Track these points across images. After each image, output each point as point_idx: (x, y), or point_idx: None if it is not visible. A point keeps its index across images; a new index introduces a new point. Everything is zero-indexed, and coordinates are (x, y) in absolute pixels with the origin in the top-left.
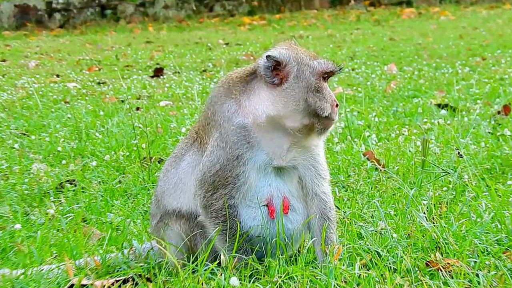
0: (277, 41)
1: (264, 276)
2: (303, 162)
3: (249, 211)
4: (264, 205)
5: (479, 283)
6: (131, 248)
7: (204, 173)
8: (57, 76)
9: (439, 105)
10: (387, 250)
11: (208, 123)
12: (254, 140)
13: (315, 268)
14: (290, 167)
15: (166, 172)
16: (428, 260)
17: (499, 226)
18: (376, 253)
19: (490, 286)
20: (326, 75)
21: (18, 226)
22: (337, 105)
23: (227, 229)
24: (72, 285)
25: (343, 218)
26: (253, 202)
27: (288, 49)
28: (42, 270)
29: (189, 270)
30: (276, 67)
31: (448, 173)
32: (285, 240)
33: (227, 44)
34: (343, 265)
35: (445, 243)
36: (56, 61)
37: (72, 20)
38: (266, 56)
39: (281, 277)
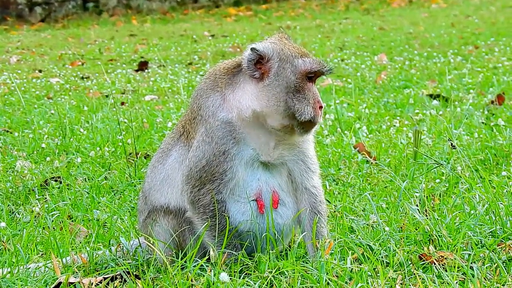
0: (264, 32)
1: (254, 271)
2: (291, 157)
3: (237, 206)
4: (253, 200)
5: (473, 276)
6: (119, 245)
7: (190, 168)
8: (40, 71)
9: (431, 96)
10: (379, 244)
11: (194, 118)
12: (240, 135)
13: (306, 263)
14: (278, 162)
15: (153, 168)
16: (421, 253)
17: (494, 218)
18: (368, 247)
19: (484, 279)
20: (312, 75)
21: (3, 224)
22: (321, 107)
23: (215, 224)
24: (60, 283)
25: (334, 211)
26: (242, 197)
27: (275, 43)
28: (29, 268)
29: (178, 266)
30: (260, 60)
31: (441, 164)
32: (275, 234)
33: (212, 36)
34: (335, 259)
35: (439, 235)
36: (38, 56)
37: (54, 14)
38: (251, 49)
39: (271, 272)
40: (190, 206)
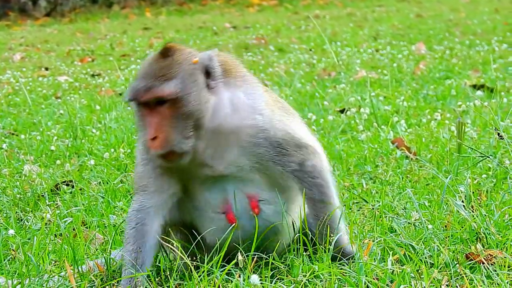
0: (291, 22)
1: (287, 275)
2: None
3: (207, 222)
4: (222, 213)
5: None
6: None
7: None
8: (46, 69)
9: (474, 86)
10: (422, 243)
11: None
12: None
13: (344, 265)
14: (243, 168)
15: None
16: (468, 252)
17: None
18: (410, 247)
19: None
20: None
21: (11, 231)
22: (153, 138)
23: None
24: None
25: (372, 209)
26: (209, 211)
27: None
28: (41, 277)
29: (204, 272)
30: None
31: (488, 157)
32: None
33: (234, 27)
34: (374, 260)
35: (487, 233)
36: (44, 53)
37: (60, 7)
38: None
39: (305, 276)
40: None
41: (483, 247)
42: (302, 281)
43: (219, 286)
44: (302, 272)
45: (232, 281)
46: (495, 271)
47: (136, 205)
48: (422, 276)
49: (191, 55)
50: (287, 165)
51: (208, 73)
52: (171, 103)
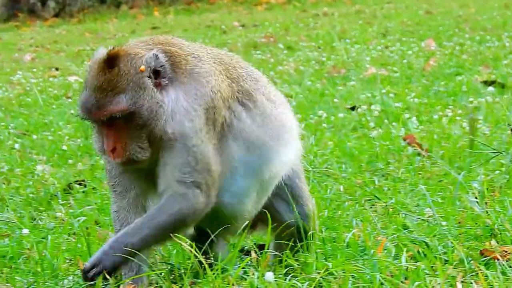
0: (299, 20)
1: (301, 273)
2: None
3: None
4: None
5: None
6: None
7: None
8: (56, 69)
9: (485, 82)
10: (436, 239)
11: None
12: None
13: (358, 261)
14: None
15: None
16: (482, 248)
17: None
18: (424, 244)
19: None
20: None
21: (25, 231)
22: (112, 150)
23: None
24: None
25: (385, 206)
26: None
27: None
28: (56, 276)
29: (218, 269)
30: None
31: (500, 153)
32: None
33: (243, 26)
34: (389, 257)
35: (501, 229)
36: (54, 53)
37: (68, 8)
38: None
39: (320, 273)
40: None
41: (498, 243)
42: (317, 278)
43: (233, 284)
44: (316, 270)
45: (246, 279)
46: (511, 267)
47: (114, 206)
48: (436, 273)
49: (137, 59)
50: (186, 177)
51: (157, 72)
52: (125, 117)
